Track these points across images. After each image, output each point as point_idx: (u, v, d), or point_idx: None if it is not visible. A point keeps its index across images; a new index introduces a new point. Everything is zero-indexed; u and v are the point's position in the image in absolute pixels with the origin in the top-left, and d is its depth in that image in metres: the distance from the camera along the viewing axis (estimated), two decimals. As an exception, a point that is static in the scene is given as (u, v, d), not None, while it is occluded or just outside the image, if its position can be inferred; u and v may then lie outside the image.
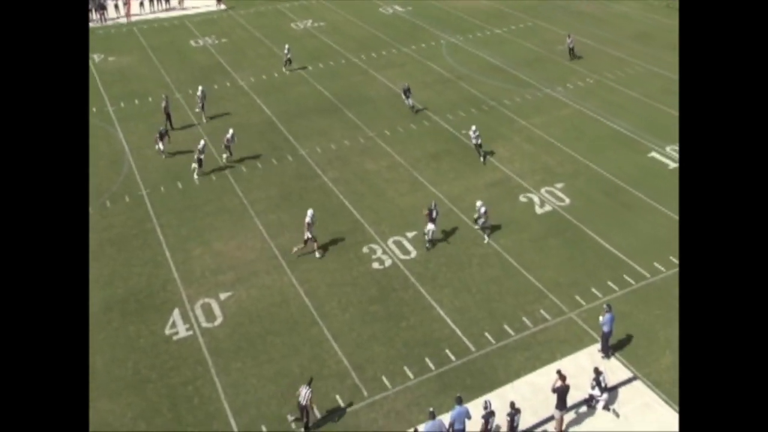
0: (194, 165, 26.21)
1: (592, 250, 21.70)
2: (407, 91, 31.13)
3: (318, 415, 15.95)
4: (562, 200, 24.50)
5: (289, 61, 36.32)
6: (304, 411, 15.39)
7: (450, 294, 19.84)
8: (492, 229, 22.51)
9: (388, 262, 21.20)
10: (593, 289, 19.90)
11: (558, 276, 20.52)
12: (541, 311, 19.10)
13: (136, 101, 33.35)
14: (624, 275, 20.46)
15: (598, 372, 15.99)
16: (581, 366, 17.12)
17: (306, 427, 15.59)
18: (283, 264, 21.34)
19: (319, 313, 19.20)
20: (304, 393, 15.33)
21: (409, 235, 22.59)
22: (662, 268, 20.75)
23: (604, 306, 17.43)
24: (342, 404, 16.33)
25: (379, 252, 21.71)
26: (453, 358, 17.55)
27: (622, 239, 22.16)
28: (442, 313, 19.10)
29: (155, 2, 48.93)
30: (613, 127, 29.83)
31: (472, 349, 17.83)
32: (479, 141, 26.70)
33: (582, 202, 24.36)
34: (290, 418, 15.96)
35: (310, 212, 21.32)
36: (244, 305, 19.61)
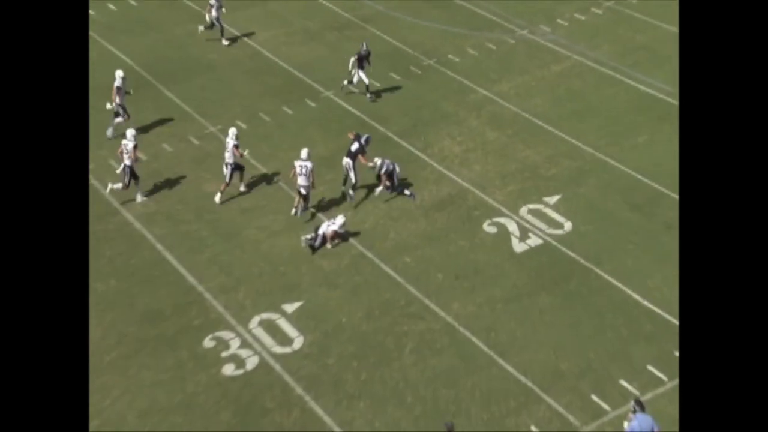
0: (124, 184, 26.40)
1: (616, 310, 22.20)
2: (364, 59, 30.67)
3: None
4: (558, 225, 25.11)
5: (213, 23, 34.90)
6: None
7: (368, 409, 19.84)
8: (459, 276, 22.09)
9: (251, 362, 21.12)
10: (622, 381, 20.22)
11: (558, 361, 20.87)
12: (532, 428, 19.20)
13: None
14: (674, 351, 20.64)
15: None
16: None
17: None
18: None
19: (124, 467, 19.13)
20: None
21: (289, 308, 22.48)
22: (738, 333, 21.09)
23: (631, 405, 17.85)
24: None
25: (235, 344, 21.65)
26: None
27: (667, 287, 22.46)
28: (353, 447, 19.19)
29: None
30: (641, 90, 30.94)
31: None
32: (389, 170, 25.78)
33: (593, 225, 25.03)
34: None
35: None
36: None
